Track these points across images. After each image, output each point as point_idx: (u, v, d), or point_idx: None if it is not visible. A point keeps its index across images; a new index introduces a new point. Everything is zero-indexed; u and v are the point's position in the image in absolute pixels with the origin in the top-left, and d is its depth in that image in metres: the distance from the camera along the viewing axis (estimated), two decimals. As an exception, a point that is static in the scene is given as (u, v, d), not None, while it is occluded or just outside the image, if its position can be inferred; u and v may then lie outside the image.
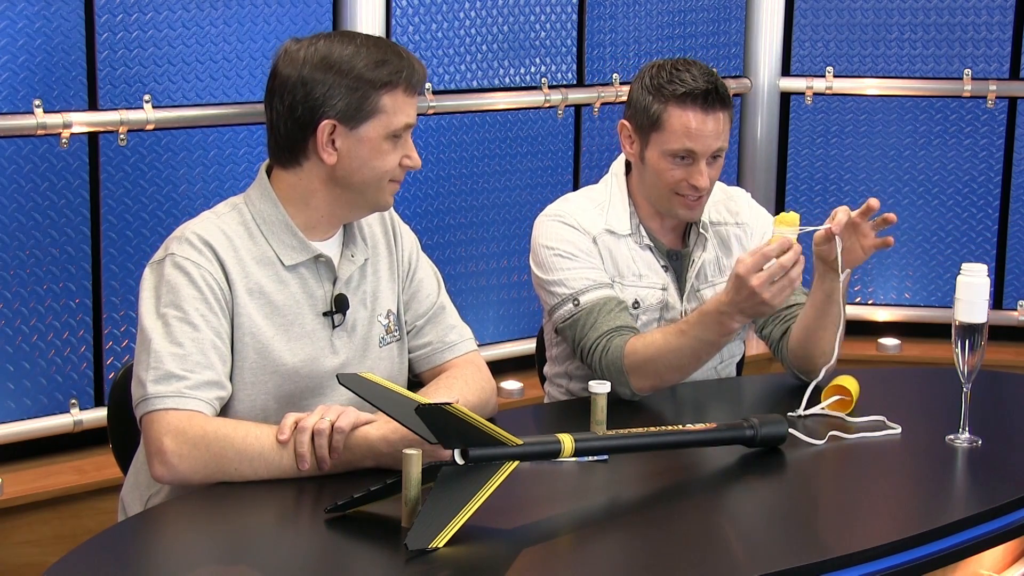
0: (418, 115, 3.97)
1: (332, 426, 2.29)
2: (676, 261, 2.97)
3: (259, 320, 2.42)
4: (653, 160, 2.88)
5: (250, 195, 2.50)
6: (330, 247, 2.51)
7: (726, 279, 2.93)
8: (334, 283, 2.50)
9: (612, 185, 2.98)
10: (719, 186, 3.05)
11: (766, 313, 2.68)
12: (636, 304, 2.92)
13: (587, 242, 2.90)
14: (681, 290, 2.96)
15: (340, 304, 2.49)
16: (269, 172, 2.51)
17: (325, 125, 2.40)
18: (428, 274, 2.67)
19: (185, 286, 2.37)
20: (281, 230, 2.46)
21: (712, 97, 2.83)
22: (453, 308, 2.70)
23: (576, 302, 2.86)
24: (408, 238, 2.66)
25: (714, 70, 2.91)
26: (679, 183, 2.86)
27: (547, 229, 2.93)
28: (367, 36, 2.48)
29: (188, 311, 2.36)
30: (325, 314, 2.49)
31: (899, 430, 2.60)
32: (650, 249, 2.94)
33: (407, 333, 2.63)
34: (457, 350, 2.66)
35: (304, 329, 2.47)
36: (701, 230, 2.97)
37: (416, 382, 2.65)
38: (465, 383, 2.58)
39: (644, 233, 2.94)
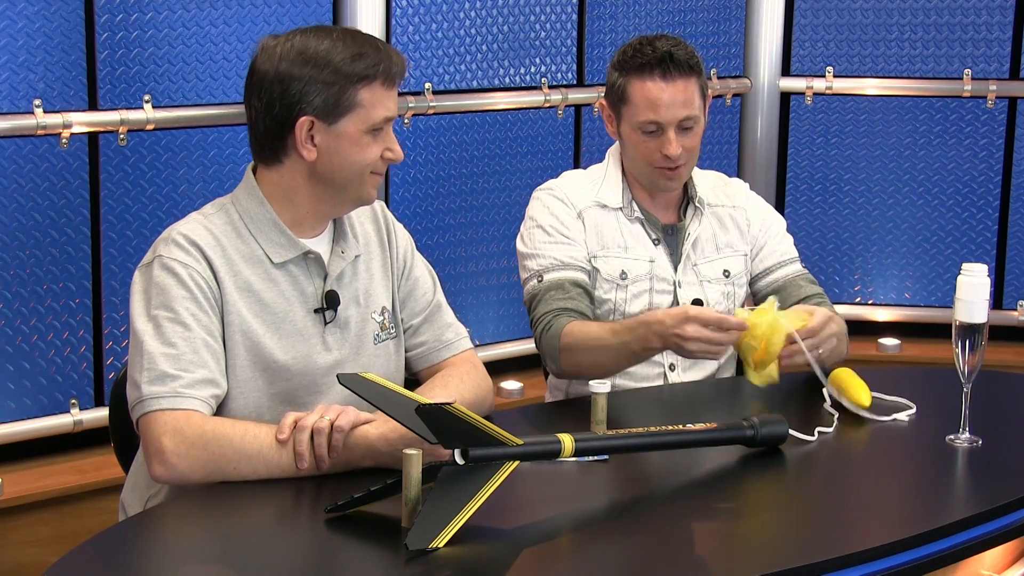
0: (418, 115, 4.02)
1: (331, 425, 2.29)
2: (672, 235, 3.02)
3: (249, 318, 2.42)
4: (627, 134, 2.96)
5: (237, 195, 2.50)
6: (319, 244, 2.51)
7: (723, 256, 2.99)
8: (324, 280, 2.50)
9: (609, 163, 3.06)
10: (718, 175, 3.12)
11: (678, 350, 2.73)
12: (623, 275, 2.97)
13: (570, 216, 2.98)
14: (676, 262, 3.00)
15: (331, 300, 2.49)
16: (255, 172, 2.51)
17: (303, 122, 2.40)
18: (424, 273, 2.68)
19: (174, 286, 2.37)
20: (269, 228, 2.46)
21: (668, 64, 2.87)
22: (448, 307, 2.70)
23: (540, 279, 2.95)
24: (403, 236, 2.66)
25: (683, 41, 2.94)
26: (653, 155, 2.91)
27: (536, 202, 3.04)
28: (344, 29, 2.47)
29: (178, 311, 2.36)
30: (316, 311, 2.49)
31: (914, 409, 2.67)
32: (640, 223, 3.00)
33: (403, 332, 2.63)
34: (454, 348, 2.66)
35: (295, 326, 2.47)
36: (697, 204, 3.01)
37: (413, 380, 2.65)
38: (460, 380, 2.58)
39: (636, 208, 3.00)
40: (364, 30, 3.74)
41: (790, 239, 3.12)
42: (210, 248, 2.41)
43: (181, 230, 2.43)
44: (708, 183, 3.08)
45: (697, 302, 2.97)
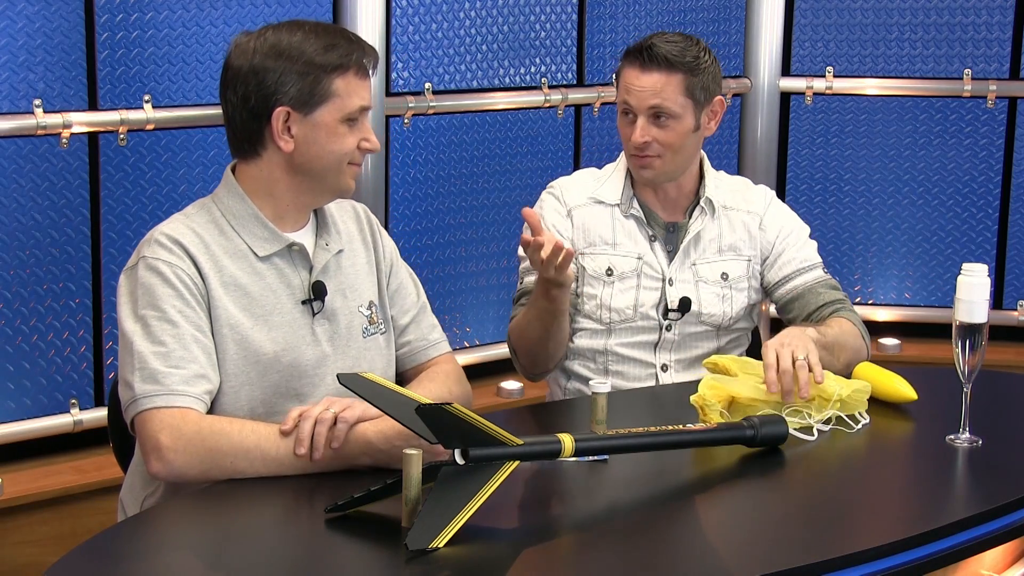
0: (418, 115, 4.02)
1: (335, 417, 2.29)
2: (673, 233, 3.04)
3: (236, 312, 2.43)
4: (617, 120, 3.03)
5: (217, 194, 2.52)
6: (303, 236, 2.53)
7: (724, 259, 3.03)
8: (310, 271, 2.51)
9: (619, 161, 3.10)
10: (744, 180, 3.14)
11: (546, 274, 2.71)
12: (609, 271, 3.01)
13: (559, 215, 3.04)
14: (671, 259, 3.02)
15: (318, 291, 2.50)
16: (234, 171, 2.52)
17: (279, 112, 2.42)
18: (407, 276, 2.71)
19: (160, 285, 2.38)
20: (251, 223, 2.47)
21: (647, 55, 2.94)
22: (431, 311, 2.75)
23: (521, 281, 3.04)
24: (388, 240, 2.70)
25: (683, 41, 2.96)
26: (628, 140, 2.98)
27: (538, 201, 3.11)
28: (316, 23, 2.50)
29: (166, 309, 2.37)
30: (304, 302, 2.49)
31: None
32: (635, 219, 3.03)
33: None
34: (440, 348, 2.70)
35: (284, 318, 2.47)
36: (703, 204, 3.03)
37: (398, 381, 2.66)
38: (448, 376, 2.64)
39: (636, 205, 3.03)
40: (364, 30, 3.77)
41: (812, 245, 3.09)
42: (193, 246, 2.42)
43: (163, 230, 2.44)
44: (727, 186, 3.09)
45: (685, 300, 2.98)
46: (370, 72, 2.48)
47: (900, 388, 2.72)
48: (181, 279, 2.39)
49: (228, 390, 2.42)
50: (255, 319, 2.45)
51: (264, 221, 2.48)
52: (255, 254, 2.47)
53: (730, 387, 2.59)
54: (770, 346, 2.63)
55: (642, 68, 2.94)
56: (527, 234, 2.69)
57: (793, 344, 2.62)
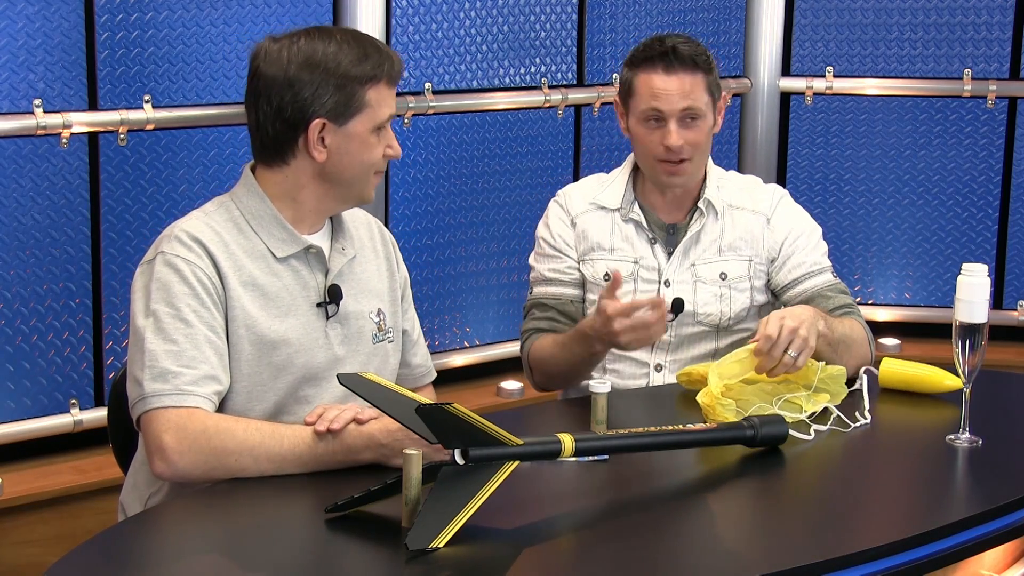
0: (418, 115, 4.03)
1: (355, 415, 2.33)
2: (673, 235, 3.04)
3: (254, 311, 2.43)
4: (634, 128, 3.00)
5: (236, 192, 2.52)
6: (319, 240, 2.53)
7: (725, 259, 3.02)
8: (326, 275, 2.51)
9: (625, 164, 3.10)
10: (755, 180, 3.13)
11: (620, 348, 2.80)
12: (607, 277, 3.00)
13: (563, 224, 3.06)
14: (670, 260, 3.02)
15: (334, 295, 2.51)
16: (253, 171, 2.53)
17: (316, 124, 2.42)
18: (412, 303, 2.73)
19: (176, 283, 2.38)
20: (271, 224, 2.48)
21: (671, 58, 2.93)
22: None
23: (531, 291, 3.08)
24: (403, 264, 2.71)
25: (695, 40, 2.98)
26: (656, 148, 2.95)
27: (546, 210, 3.12)
28: (344, 31, 2.50)
29: (180, 308, 2.37)
30: (319, 305, 2.50)
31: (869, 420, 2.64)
32: (634, 222, 3.03)
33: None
34: (432, 376, 2.77)
35: (299, 320, 2.48)
36: (700, 205, 3.02)
37: None
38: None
39: (636, 209, 3.03)
40: (364, 30, 3.76)
41: (823, 248, 3.06)
42: (213, 244, 2.42)
43: (184, 227, 2.44)
44: (736, 185, 3.07)
45: (678, 301, 2.97)
46: (397, 80, 2.50)
47: (944, 380, 2.74)
48: (199, 278, 2.39)
49: (241, 390, 2.42)
50: (272, 319, 2.45)
51: (283, 223, 2.48)
52: (273, 255, 2.47)
53: (728, 369, 2.61)
54: (775, 319, 2.66)
55: (667, 71, 2.92)
56: (612, 303, 2.72)
57: (796, 333, 2.64)
